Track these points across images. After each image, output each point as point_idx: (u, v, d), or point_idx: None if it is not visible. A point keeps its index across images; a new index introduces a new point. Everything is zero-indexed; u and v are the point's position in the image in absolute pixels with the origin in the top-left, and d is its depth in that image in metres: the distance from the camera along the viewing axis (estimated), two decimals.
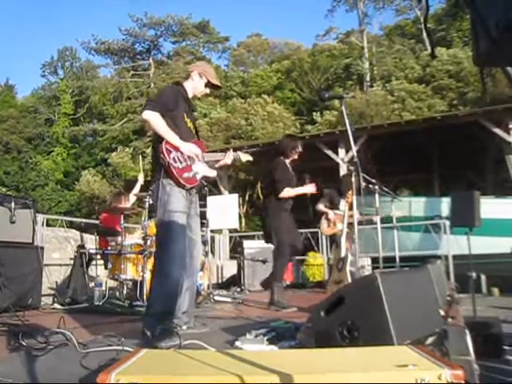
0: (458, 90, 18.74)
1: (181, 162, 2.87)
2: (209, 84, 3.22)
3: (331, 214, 5.86)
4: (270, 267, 7.11)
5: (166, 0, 42.87)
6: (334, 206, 5.96)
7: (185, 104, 3.07)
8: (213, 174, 3.14)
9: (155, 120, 2.80)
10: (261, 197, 19.68)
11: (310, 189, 4.64)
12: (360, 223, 5.28)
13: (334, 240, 6.10)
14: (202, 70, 3.18)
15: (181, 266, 2.81)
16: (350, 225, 5.29)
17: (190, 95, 3.17)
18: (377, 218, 5.35)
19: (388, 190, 5.79)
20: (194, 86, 3.17)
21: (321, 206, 6.02)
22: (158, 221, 2.87)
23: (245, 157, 3.36)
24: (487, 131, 9.39)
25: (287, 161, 4.68)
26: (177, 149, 2.85)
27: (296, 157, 4.73)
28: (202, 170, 3.00)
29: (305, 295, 6.22)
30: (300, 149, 4.72)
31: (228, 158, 3.23)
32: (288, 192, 4.50)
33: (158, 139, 2.87)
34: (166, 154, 2.79)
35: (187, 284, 2.98)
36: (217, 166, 3.21)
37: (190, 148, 2.91)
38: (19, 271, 4.21)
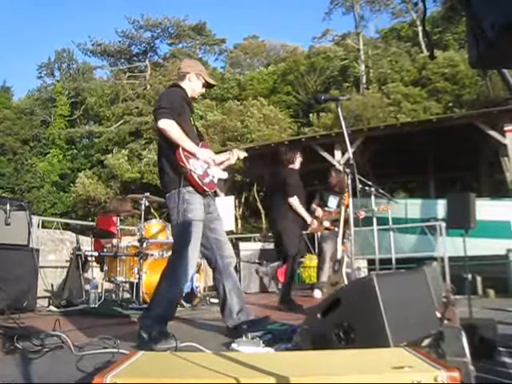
0: (453, 93, 18.82)
1: (201, 168, 2.85)
2: (205, 84, 3.18)
3: (318, 211, 5.85)
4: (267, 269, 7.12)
5: (163, 2, 42.83)
6: (323, 203, 5.97)
7: (188, 107, 3.04)
8: (225, 175, 3.10)
9: (172, 129, 2.76)
10: (257, 199, 19.72)
11: (309, 219, 4.93)
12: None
13: (319, 240, 6.09)
14: (199, 71, 3.13)
15: (189, 275, 2.81)
16: (336, 222, 5.35)
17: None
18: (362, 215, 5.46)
19: (384, 191, 5.81)
20: (192, 88, 3.10)
21: (313, 205, 6.04)
22: (176, 229, 2.85)
23: (242, 154, 3.34)
24: (482, 133, 9.44)
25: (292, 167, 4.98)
26: (193, 155, 2.83)
27: (298, 164, 5.03)
28: (216, 173, 2.99)
29: (301, 297, 6.20)
30: (299, 157, 5.03)
31: (233, 158, 3.22)
32: (295, 200, 4.73)
33: (170, 146, 2.82)
34: (185, 162, 2.76)
35: (229, 285, 2.98)
36: (222, 167, 3.17)
37: (205, 153, 2.90)
38: (14, 273, 4.18)
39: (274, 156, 5.45)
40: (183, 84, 3.10)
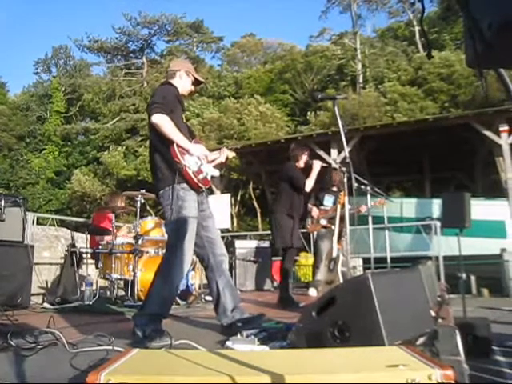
0: (449, 93, 18.88)
1: (195, 164, 2.85)
2: (194, 81, 3.21)
3: (314, 210, 5.84)
4: (262, 267, 7.14)
5: None
6: (319, 202, 5.96)
7: (180, 104, 3.05)
8: (217, 173, 3.10)
9: (166, 123, 2.75)
10: (253, 197, 19.72)
11: (318, 165, 4.80)
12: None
13: (316, 238, 6.07)
14: (188, 68, 3.17)
15: (184, 272, 2.81)
16: (332, 219, 5.34)
17: None
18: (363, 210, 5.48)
19: (380, 190, 5.81)
20: (183, 86, 3.13)
21: (309, 205, 6.03)
22: (170, 226, 2.85)
23: (230, 153, 3.37)
24: (478, 134, 9.47)
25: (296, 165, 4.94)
26: (187, 151, 2.82)
27: (302, 165, 4.94)
28: (209, 170, 2.99)
29: (296, 295, 6.21)
30: (306, 157, 4.97)
31: (223, 156, 3.24)
32: (309, 183, 4.73)
33: (163, 142, 2.81)
34: (180, 158, 2.76)
35: (222, 283, 2.97)
36: (213, 165, 3.19)
37: (198, 149, 2.90)
38: (8, 270, 4.16)
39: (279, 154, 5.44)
40: (174, 82, 3.11)
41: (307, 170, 4.88)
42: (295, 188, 4.78)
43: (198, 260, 5.12)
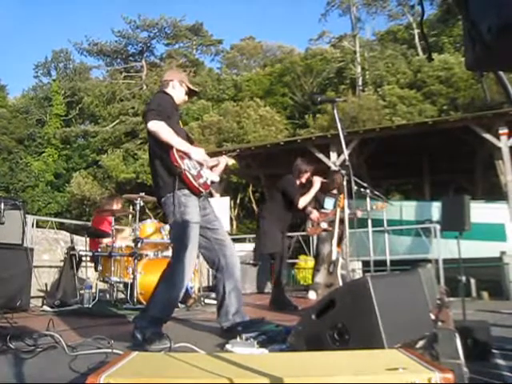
0: (448, 96, 18.91)
1: (194, 169, 2.84)
2: (188, 91, 3.22)
3: (314, 213, 5.82)
4: (262, 270, 7.14)
5: (159, 2, 42.78)
6: (319, 205, 5.95)
7: (176, 112, 3.05)
8: (217, 178, 3.09)
9: (162, 130, 2.75)
10: (252, 200, 19.73)
11: (318, 183, 4.83)
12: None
13: (317, 242, 6.06)
14: (181, 78, 3.18)
15: (187, 278, 2.82)
16: (333, 222, 5.32)
17: None
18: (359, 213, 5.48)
19: (379, 193, 5.81)
20: (177, 95, 3.13)
21: (308, 208, 6.01)
22: (174, 232, 2.86)
23: (230, 160, 3.37)
24: (477, 136, 9.47)
25: (297, 181, 4.90)
26: (187, 154, 2.82)
27: (304, 181, 4.90)
28: (209, 174, 2.98)
29: (296, 298, 6.21)
30: (309, 174, 4.92)
31: (222, 165, 3.25)
32: (305, 200, 4.77)
33: (162, 148, 2.81)
34: (179, 162, 2.76)
35: (229, 285, 2.96)
36: (213, 172, 3.18)
37: (198, 153, 2.89)
38: (8, 272, 4.16)
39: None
40: (168, 91, 3.12)
41: (306, 185, 4.87)
42: (287, 202, 4.78)
43: (197, 263, 5.14)
